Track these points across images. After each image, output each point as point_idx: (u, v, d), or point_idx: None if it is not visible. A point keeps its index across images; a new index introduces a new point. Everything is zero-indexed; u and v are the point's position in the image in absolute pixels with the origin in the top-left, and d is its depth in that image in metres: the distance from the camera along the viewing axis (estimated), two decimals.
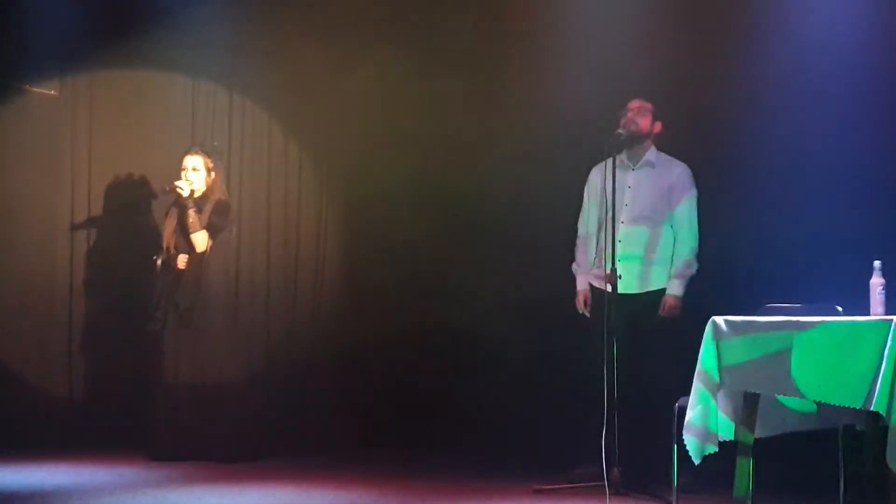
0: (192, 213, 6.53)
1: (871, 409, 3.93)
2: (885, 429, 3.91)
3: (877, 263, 4.33)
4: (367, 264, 7.36)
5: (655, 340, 5.76)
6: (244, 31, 7.21)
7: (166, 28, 7.13)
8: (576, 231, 6.21)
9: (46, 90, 7.33)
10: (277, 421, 6.91)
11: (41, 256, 7.29)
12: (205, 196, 6.64)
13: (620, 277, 5.61)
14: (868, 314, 4.26)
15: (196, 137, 7.23)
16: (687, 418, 4.48)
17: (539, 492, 5.57)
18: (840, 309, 4.34)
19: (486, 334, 6.84)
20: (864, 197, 5.77)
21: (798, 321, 4.23)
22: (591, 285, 6.04)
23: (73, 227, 7.33)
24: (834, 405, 4.26)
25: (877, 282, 4.32)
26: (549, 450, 6.22)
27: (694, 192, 5.98)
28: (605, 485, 5.29)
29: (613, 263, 5.60)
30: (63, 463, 6.37)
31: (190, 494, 5.53)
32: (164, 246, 6.66)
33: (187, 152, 6.72)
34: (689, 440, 4.48)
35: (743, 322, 4.42)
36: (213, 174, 6.69)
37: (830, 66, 5.92)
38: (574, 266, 6.16)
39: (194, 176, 6.62)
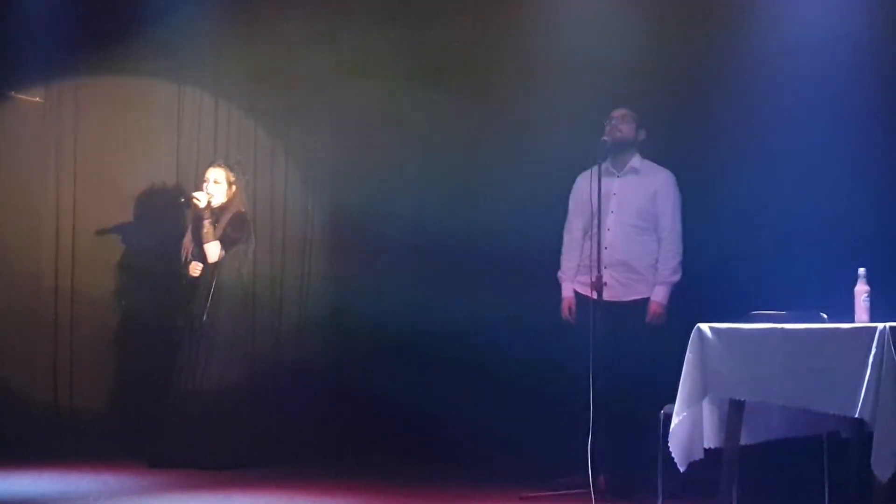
0: (207, 223, 6.60)
1: (856, 416, 3.94)
2: (869, 436, 3.93)
3: (861, 271, 4.35)
4: (353, 272, 7.35)
5: (640, 347, 5.76)
6: (229, 38, 7.21)
7: (152, 35, 7.12)
8: (561, 238, 6.22)
9: (31, 97, 7.31)
10: (263, 429, 6.88)
11: (26, 262, 7.27)
12: (223, 208, 6.70)
13: (606, 284, 5.63)
14: (853, 321, 4.28)
15: (182, 144, 7.24)
16: (672, 425, 4.49)
17: (525, 499, 5.56)
18: (825, 316, 4.35)
19: (471, 342, 6.82)
20: (849, 204, 5.79)
21: (783, 329, 4.24)
22: (576, 292, 6.05)
23: (58, 229, 7.30)
24: (818, 412, 4.28)
25: (861, 289, 4.33)
26: (535, 457, 6.21)
27: (678, 199, 6.00)
28: (590, 492, 5.29)
29: (599, 270, 5.61)
30: (47, 471, 6.33)
31: (175, 502, 5.52)
32: (183, 254, 6.73)
33: (210, 165, 6.80)
34: (675, 447, 4.49)
35: (728, 329, 4.43)
36: (233, 188, 6.75)
37: (816, 74, 5.95)
38: (559, 273, 6.16)
39: (215, 188, 6.70)
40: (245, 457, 6.52)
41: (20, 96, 7.29)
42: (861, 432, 4.35)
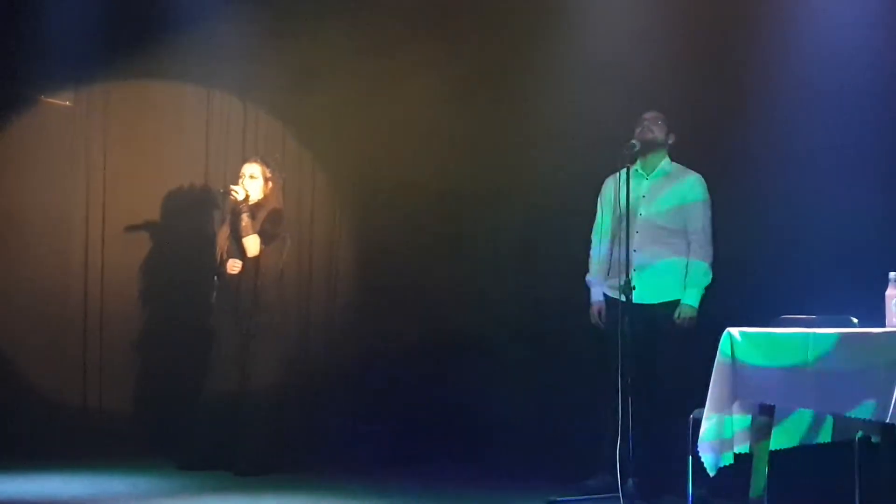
0: (245, 217, 6.49)
1: (887, 421, 3.92)
2: None
3: (892, 275, 4.32)
4: (380, 273, 7.36)
5: (670, 351, 5.75)
6: (257, 41, 7.23)
7: (180, 38, 7.15)
8: (590, 241, 6.21)
9: (61, 100, 7.36)
10: (291, 431, 6.90)
11: (56, 266, 7.31)
12: (259, 204, 6.60)
13: (635, 288, 5.61)
14: (884, 326, 4.25)
15: (211, 147, 7.24)
16: (702, 430, 4.47)
17: (553, 503, 5.56)
18: (855, 321, 4.33)
19: (500, 343, 6.84)
20: (879, 208, 5.76)
21: (814, 333, 4.22)
22: (605, 296, 6.04)
23: (87, 232, 7.34)
24: (849, 417, 4.25)
25: (892, 293, 4.30)
26: (564, 460, 6.22)
27: (708, 202, 5.98)
28: (619, 496, 5.29)
29: (628, 274, 5.59)
30: (77, 472, 6.36)
31: None
32: (218, 253, 6.64)
33: (246, 160, 6.72)
34: (705, 452, 4.47)
35: (758, 334, 4.41)
36: (270, 183, 6.66)
37: (847, 77, 5.92)
38: (588, 277, 6.15)
39: (251, 183, 6.59)
40: (272, 460, 6.50)
41: (49, 100, 7.34)
42: (892, 437, 4.31)
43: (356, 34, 7.18)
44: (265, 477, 6.28)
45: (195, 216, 7.30)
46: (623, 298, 5.58)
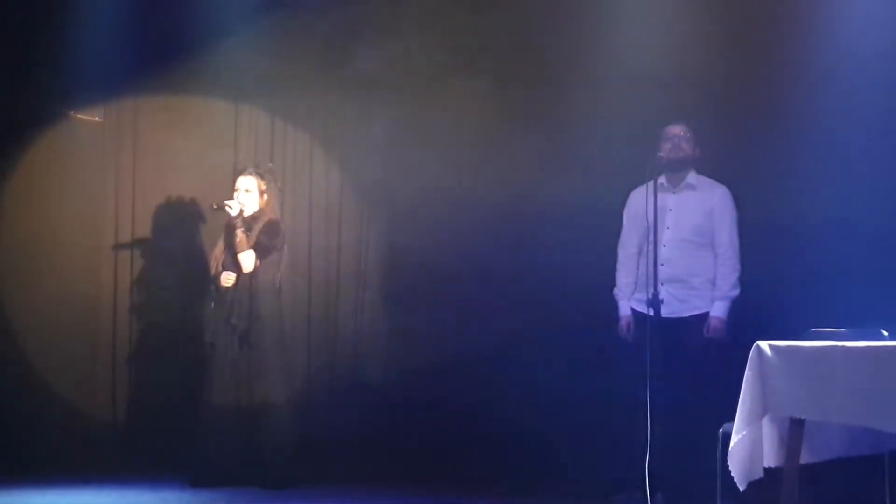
0: (239, 232, 6.44)
1: None
2: None
3: None
4: (407, 286, 7.36)
5: (699, 365, 5.74)
6: (284, 57, 7.26)
7: (208, 54, 7.20)
8: (616, 252, 6.20)
9: (91, 116, 7.40)
10: (318, 445, 6.90)
11: (86, 280, 7.35)
12: (255, 217, 6.57)
13: (663, 301, 5.60)
14: None
15: (239, 162, 7.24)
16: (732, 444, 4.45)
17: None
18: (886, 334, 4.31)
19: (527, 357, 6.82)
20: None
21: (844, 346, 4.20)
22: (633, 310, 6.03)
23: (117, 247, 7.37)
24: (880, 430, 4.23)
25: None
26: (592, 474, 6.20)
27: (735, 215, 5.98)
28: None
29: (656, 287, 5.58)
30: (107, 486, 6.39)
31: None
32: (213, 265, 6.63)
33: (241, 173, 6.68)
34: (734, 466, 4.45)
35: (788, 347, 4.40)
36: (265, 196, 6.63)
37: (879, 87, 5.89)
38: (615, 291, 6.15)
39: (246, 197, 6.55)
40: (300, 474, 6.50)
41: (80, 116, 7.39)
42: None
43: (388, 50, 7.19)
44: (290, 490, 6.28)
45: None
46: (651, 312, 5.57)
